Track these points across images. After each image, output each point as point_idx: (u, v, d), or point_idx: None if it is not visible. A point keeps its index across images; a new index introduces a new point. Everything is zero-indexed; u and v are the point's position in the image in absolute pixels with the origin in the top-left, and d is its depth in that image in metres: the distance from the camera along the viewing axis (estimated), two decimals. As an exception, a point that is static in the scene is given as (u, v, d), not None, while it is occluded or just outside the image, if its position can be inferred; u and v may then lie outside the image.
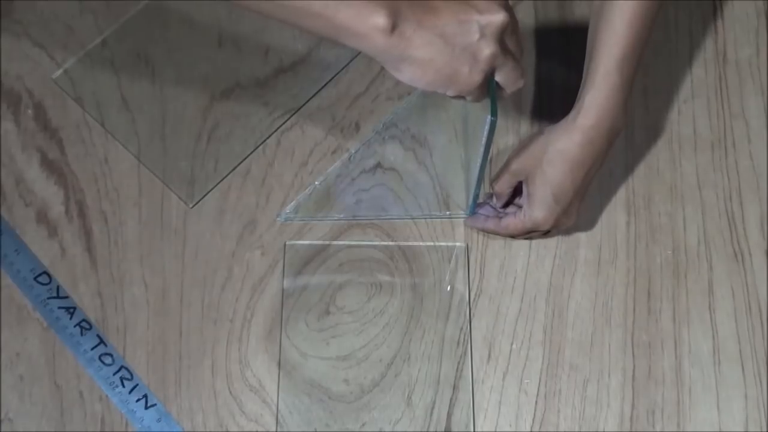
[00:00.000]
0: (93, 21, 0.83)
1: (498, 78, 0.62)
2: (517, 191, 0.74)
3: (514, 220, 0.73)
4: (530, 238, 0.75)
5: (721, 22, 0.85)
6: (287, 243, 0.76)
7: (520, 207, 0.73)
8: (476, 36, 0.59)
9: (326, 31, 0.59)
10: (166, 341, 0.73)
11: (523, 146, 0.71)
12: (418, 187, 0.78)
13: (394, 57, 0.59)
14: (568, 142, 0.68)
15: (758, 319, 0.73)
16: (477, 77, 0.60)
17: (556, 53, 0.84)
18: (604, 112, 0.68)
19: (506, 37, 0.61)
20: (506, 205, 0.75)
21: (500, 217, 0.74)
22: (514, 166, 0.71)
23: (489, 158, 0.76)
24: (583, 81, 0.69)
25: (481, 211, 0.76)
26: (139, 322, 0.73)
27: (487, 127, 0.63)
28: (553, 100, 0.82)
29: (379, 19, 0.57)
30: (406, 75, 0.60)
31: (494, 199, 0.76)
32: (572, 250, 0.76)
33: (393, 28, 0.58)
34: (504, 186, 0.73)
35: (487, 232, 0.76)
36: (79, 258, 0.75)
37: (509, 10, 0.61)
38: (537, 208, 0.70)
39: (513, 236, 0.75)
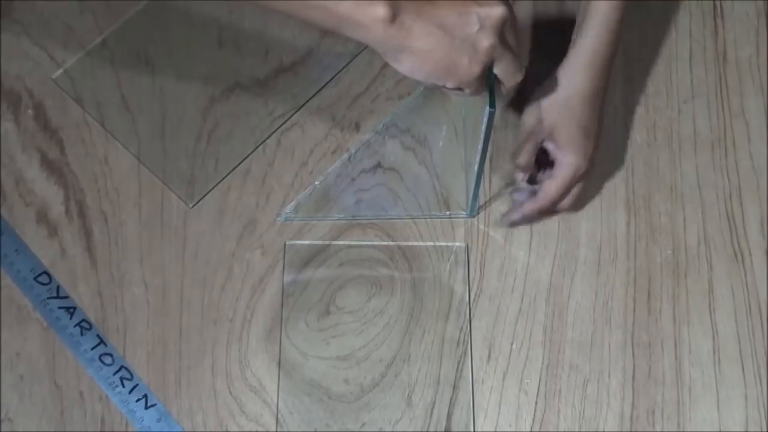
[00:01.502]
0: (93, 21, 0.83)
1: (496, 71, 0.63)
2: (539, 166, 0.75)
3: (553, 181, 0.73)
4: (573, 197, 0.74)
5: (721, 22, 0.85)
6: (287, 243, 0.76)
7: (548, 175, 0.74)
8: (475, 27, 0.60)
9: (327, 21, 0.59)
10: (166, 341, 0.73)
11: (530, 109, 0.73)
12: (418, 187, 0.78)
13: (394, 47, 0.60)
14: (579, 81, 0.71)
15: (758, 319, 0.73)
16: (476, 68, 0.61)
17: (555, 53, 0.84)
18: (602, 46, 0.71)
19: (505, 31, 0.62)
20: (532, 182, 0.76)
21: (536, 192, 0.74)
22: (531, 126, 0.72)
23: (488, 155, 0.76)
24: (578, 21, 0.73)
25: (516, 197, 0.76)
26: (139, 322, 0.73)
27: (485, 119, 0.63)
28: (553, 100, 0.82)
29: (379, 10, 0.58)
30: (406, 66, 0.61)
31: (521, 178, 0.76)
32: (572, 250, 0.76)
33: (393, 18, 0.58)
34: (528, 155, 0.74)
35: (531, 218, 0.76)
36: (79, 258, 0.75)
37: (508, 3, 0.61)
38: (571, 152, 0.72)
39: (557, 201, 0.74)
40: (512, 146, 0.80)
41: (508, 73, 0.64)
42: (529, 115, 0.73)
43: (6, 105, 0.80)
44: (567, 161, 0.72)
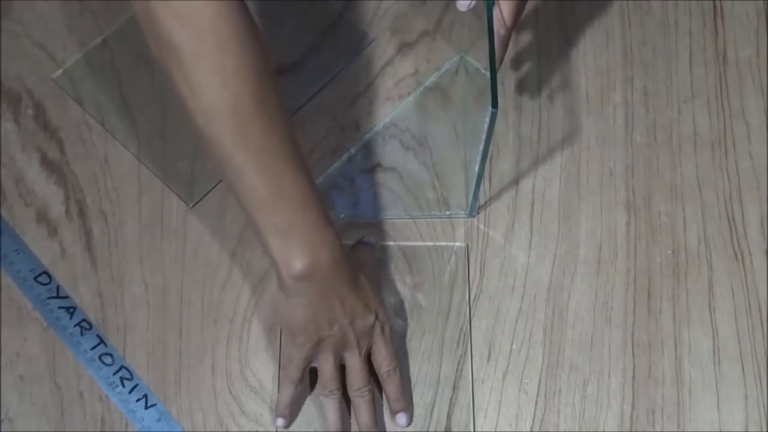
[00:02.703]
0: (93, 21, 0.83)
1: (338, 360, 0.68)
2: None
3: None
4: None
5: (721, 22, 0.85)
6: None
7: None
8: (331, 332, 0.66)
9: (256, 232, 0.63)
10: (166, 341, 0.73)
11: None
12: (418, 187, 0.78)
13: (285, 291, 0.64)
14: None
15: (758, 319, 0.73)
16: (306, 350, 0.67)
17: (556, 53, 0.84)
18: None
19: (351, 353, 0.68)
20: None
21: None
22: None
23: (489, 155, 0.76)
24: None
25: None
26: (139, 322, 0.73)
27: (488, 119, 0.62)
28: (553, 100, 0.82)
29: (297, 265, 0.62)
30: (276, 307, 0.67)
31: (466, 5, 0.65)
32: (572, 250, 0.76)
33: (302, 279, 0.63)
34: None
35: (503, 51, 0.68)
36: (79, 258, 0.75)
37: (372, 337, 0.68)
38: None
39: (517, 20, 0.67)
40: (511, 146, 0.80)
41: (352, 371, 0.68)
42: None
43: (6, 105, 0.80)
44: None
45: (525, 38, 0.84)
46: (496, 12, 0.64)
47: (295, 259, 0.62)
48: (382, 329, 0.68)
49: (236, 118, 0.59)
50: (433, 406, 0.71)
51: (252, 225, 0.63)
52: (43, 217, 0.76)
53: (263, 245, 0.63)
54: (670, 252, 0.76)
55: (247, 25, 0.59)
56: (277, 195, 0.61)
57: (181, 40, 0.57)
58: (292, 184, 0.61)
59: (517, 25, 0.67)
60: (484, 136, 0.65)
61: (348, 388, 0.68)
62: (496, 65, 0.63)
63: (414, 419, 0.70)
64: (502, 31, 0.65)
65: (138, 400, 0.70)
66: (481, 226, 0.77)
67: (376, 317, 0.67)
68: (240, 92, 0.58)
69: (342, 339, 0.66)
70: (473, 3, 0.65)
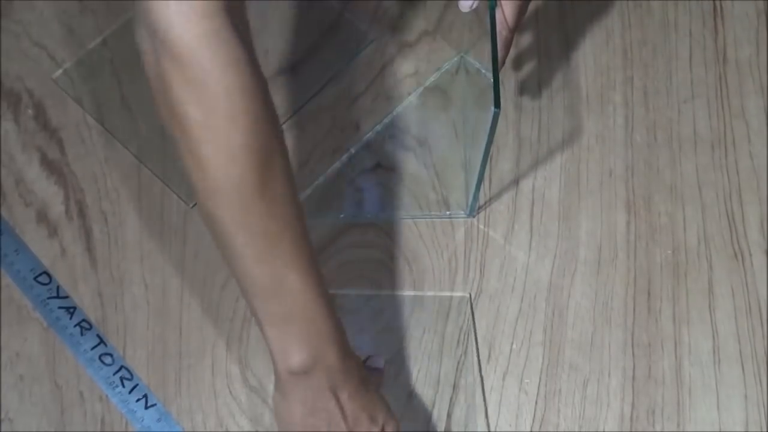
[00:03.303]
0: (93, 21, 0.83)
1: None
2: None
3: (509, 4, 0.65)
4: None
5: (721, 22, 0.85)
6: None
7: None
8: None
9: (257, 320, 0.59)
10: (166, 341, 0.73)
11: None
12: (418, 187, 0.78)
13: (282, 389, 0.60)
14: None
15: (758, 319, 0.73)
16: None
17: (556, 53, 0.84)
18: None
19: None
20: None
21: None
22: None
23: (489, 155, 0.76)
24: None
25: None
26: (139, 322, 0.73)
27: (490, 119, 0.62)
28: (553, 100, 0.82)
29: (295, 359, 0.58)
30: (275, 411, 0.61)
31: (468, 6, 0.67)
32: (572, 250, 0.76)
33: (299, 374, 0.58)
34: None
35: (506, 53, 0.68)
36: (79, 258, 0.75)
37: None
38: None
39: (519, 23, 0.67)
40: (511, 146, 0.80)
41: None
42: None
43: (6, 105, 0.80)
44: None
45: (525, 38, 0.84)
46: (498, 13, 0.64)
47: (293, 352, 0.58)
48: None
49: (239, 198, 0.55)
50: (433, 406, 0.71)
51: (251, 311, 0.59)
52: (43, 217, 0.76)
53: (262, 334, 0.59)
54: (670, 252, 0.76)
55: (262, 100, 0.56)
56: (277, 283, 0.57)
57: (190, 109, 0.53)
58: (293, 273, 0.57)
59: (519, 25, 0.66)
60: (485, 136, 0.65)
61: None
62: (499, 66, 0.63)
63: (414, 419, 0.70)
64: (504, 32, 0.65)
65: (138, 400, 0.70)
66: (481, 226, 0.77)
67: (383, 422, 0.62)
68: (245, 171, 0.54)
69: None
70: (475, 4, 0.65)
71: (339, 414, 0.60)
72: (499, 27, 0.64)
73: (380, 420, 0.62)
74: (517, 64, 0.83)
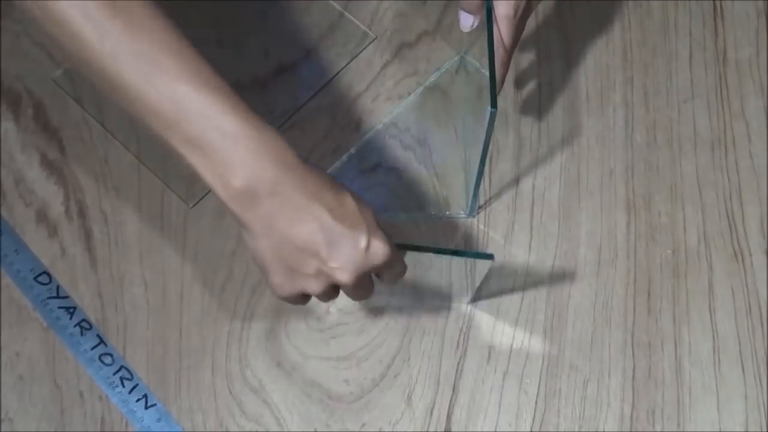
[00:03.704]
0: (93, 21, 0.83)
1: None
2: None
3: (507, 22, 0.63)
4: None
5: (721, 22, 0.86)
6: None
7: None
8: (308, 271, 0.54)
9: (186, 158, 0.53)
10: (166, 341, 0.73)
11: None
12: (419, 187, 0.78)
13: (240, 222, 0.54)
14: None
15: (758, 319, 0.73)
16: (287, 291, 0.56)
17: (556, 53, 0.84)
18: None
19: (344, 288, 0.57)
20: None
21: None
22: None
23: (488, 155, 0.76)
24: None
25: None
26: (139, 322, 0.73)
27: (487, 119, 0.63)
28: (553, 100, 0.82)
29: (235, 183, 0.52)
30: (242, 235, 0.56)
31: (469, 25, 0.65)
32: (572, 250, 0.76)
33: (242, 200, 0.53)
34: None
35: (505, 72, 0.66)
36: (79, 258, 0.75)
37: (362, 270, 0.55)
38: None
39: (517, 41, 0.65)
40: (512, 146, 0.80)
41: (351, 296, 0.59)
42: None
43: (6, 105, 0.80)
44: None
45: (525, 38, 0.84)
46: (495, 32, 0.64)
47: (229, 176, 0.51)
48: (377, 254, 0.55)
49: (92, 26, 0.50)
50: (433, 406, 0.71)
51: (174, 155, 0.53)
52: (43, 217, 0.76)
53: (189, 169, 0.53)
54: (670, 252, 0.76)
55: None
56: (175, 104, 0.51)
57: None
58: (184, 87, 0.51)
59: (516, 47, 0.65)
60: (483, 136, 0.65)
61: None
62: (498, 87, 0.62)
63: (414, 419, 0.70)
64: (501, 51, 0.63)
65: (138, 400, 0.70)
66: (481, 226, 0.77)
67: (368, 240, 0.54)
68: None
69: (325, 277, 0.55)
70: (476, 23, 0.65)
71: (309, 233, 0.53)
72: (496, 45, 0.63)
73: (363, 238, 0.54)
74: (517, 64, 0.83)
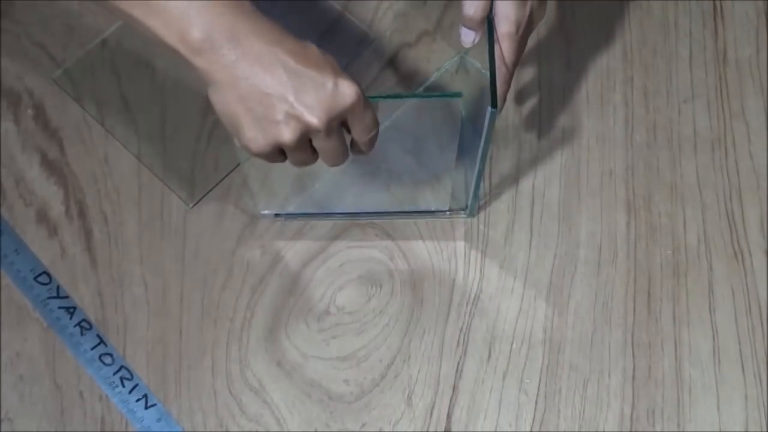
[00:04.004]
0: (93, 21, 0.83)
1: (314, 144, 0.58)
2: None
3: (509, 39, 0.62)
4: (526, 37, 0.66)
5: (721, 22, 0.85)
6: (287, 243, 0.76)
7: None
8: (278, 117, 0.54)
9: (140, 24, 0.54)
10: (166, 341, 0.73)
11: None
12: (418, 187, 0.78)
13: (206, 79, 0.55)
14: None
15: (758, 319, 0.73)
16: (261, 144, 0.56)
17: (556, 53, 0.84)
18: None
19: (317, 136, 0.56)
20: None
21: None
22: None
23: (489, 155, 0.76)
24: None
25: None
26: (139, 322, 0.73)
27: (487, 118, 0.63)
28: (553, 101, 0.82)
29: (194, 34, 0.53)
30: (210, 96, 0.56)
31: (471, 40, 0.65)
32: (572, 250, 0.76)
33: (203, 50, 0.53)
34: (481, 3, 0.62)
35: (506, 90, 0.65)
36: (79, 258, 0.75)
37: (333, 111, 0.55)
38: None
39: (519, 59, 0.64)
40: (512, 146, 0.80)
41: (325, 154, 0.59)
42: None
43: (6, 105, 0.80)
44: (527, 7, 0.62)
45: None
46: (496, 49, 0.63)
47: (186, 28, 0.53)
48: (345, 94, 0.55)
49: None
50: (433, 406, 0.71)
51: (137, 28, 0.54)
52: (43, 217, 0.76)
53: (153, 37, 0.54)
54: (670, 252, 0.76)
55: None
56: None
57: None
58: None
59: (518, 63, 0.65)
60: (484, 134, 0.65)
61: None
62: (499, 103, 0.62)
63: (414, 419, 0.70)
64: (503, 69, 0.63)
65: (138, 400, 0.70)
66: (481, 226, 0.77)
67: (335, 81, 0.54)
68: None
69: (296, 121, 0.54)
70: (477, 38, 0.65)
71: (272, 78, 0.53)
72: (498, 63, 0.63)
73: (330, 79, 0.54)
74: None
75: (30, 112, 0.80)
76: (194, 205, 0.77)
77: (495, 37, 0.63)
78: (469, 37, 0.64)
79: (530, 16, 0.63)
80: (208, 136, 0.79)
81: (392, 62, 0.83)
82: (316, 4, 0.85)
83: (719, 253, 0.76)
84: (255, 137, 0.56)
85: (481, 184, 0.72)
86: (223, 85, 0.54)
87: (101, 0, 0.55)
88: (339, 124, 0.57)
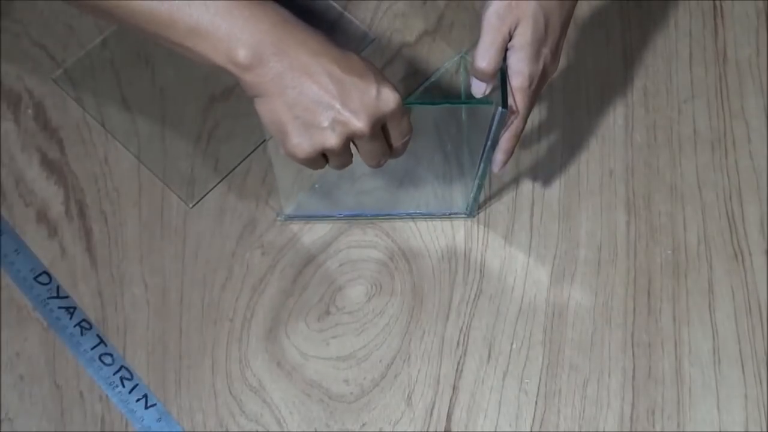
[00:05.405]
0: (93, 21, 0.83)
1: (359, 151, 0.61)
2: None
3: (522, 92, 0.62)
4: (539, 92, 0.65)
5: (721, 22, 0.86)
6: (287, 243, 0.76)
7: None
8: (324, 124, 0.57)
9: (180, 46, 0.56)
10: (166, 341, 0.73)
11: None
12: (418, 187, 0.78)
13: (255, 93, 0.57)
14: None
15: (758, 319, 0.73)
16: (307, 150, 0.58)
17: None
18: None
19: (361, 140, 0.58)
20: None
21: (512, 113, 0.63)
22: (498, 20, 0.61)
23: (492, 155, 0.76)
24: None
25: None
26: (139, 322, 0.73)
27: (496, 119, 0.62)
28: (553, 100, 0.82)
29: (241, 54, 0.55)
30: (257, 107, 0.58)
31: (482, 91, 0.65)
32: (572, 250, 0.76)
33: (251, 66, 0.55)
34: (494, 56, 0.61)
35: (513, 148, 0.66)
36: (79, 258, 0.75)
37: (376, 116, 0.57)
38: (548, 43, 0.62)
39: (535, 95, 0.64)
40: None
41: (368, 157, 0.61)
42: (494, 12, 0.61)
43: (6, 105, 0.80)
44: (544, 51, 0.62)
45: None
46: (509, 100, 0.62)
47: (234, 48, 0.55)
48: (388, 101, 0.57)
49: None
50: (433, 406, 0.71)
51: (178, 52, 0.56)
52: (43, 217, 0.76)
53: (200, 59, 0.56)
54: (670, 252, 0.76)
55: None
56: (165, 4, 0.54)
57: None
58: None
59: (530, 113, 0.65)
60: (487, 136, 0.64)
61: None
62: (507, 155, 0.64)
63: (414, 419, 0.70)
64: (516, 122, 0.64)
65: (138, 400, 0.70)
66: (481, 226, 0.77)
67: (378, 88, 0.57)
68: None
69: (342, 126, 0.57)
70: (488, 89, 0.65)
71: (319, 86, 0.56)
72: (511, 117, 0.63)
73: (373, 86, 0.57)
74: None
75: (30, 112, 0.80)
76: (194, 205, 0.77)
77: (510, 91, 0.62)
78: (480, 88, 0.65)
79: (543, 70, 0.63)
80: (208, 136, 0.79)
81: (392, 62, 0.83)
82: (316, 4, 0.85)
83: (719, 253, 0.76)
84: (300, 143, 0.58)
85: (483, 185, 0.72)
86: (270, 96, 0.57)
87: (138, 29, 0.57)
88: (381, 129, 0.59)
